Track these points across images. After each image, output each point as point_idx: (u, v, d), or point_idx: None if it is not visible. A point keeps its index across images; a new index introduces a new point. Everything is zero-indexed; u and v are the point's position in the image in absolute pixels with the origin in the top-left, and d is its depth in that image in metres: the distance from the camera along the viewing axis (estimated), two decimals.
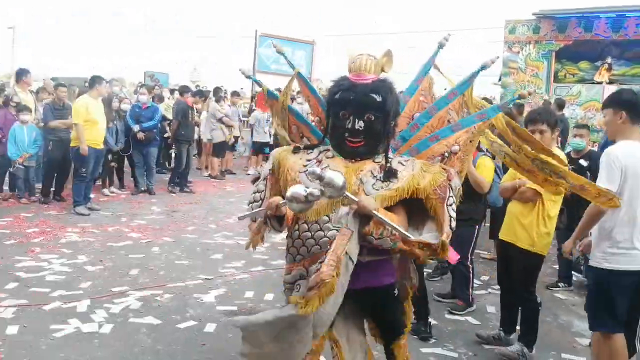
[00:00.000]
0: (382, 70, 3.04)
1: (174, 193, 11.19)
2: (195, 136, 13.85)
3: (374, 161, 2.96)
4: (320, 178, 2.58)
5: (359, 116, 2.89)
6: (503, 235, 4.72)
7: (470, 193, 5.32)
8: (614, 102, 3.94)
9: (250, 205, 3.07)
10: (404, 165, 2.95)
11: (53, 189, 9.81)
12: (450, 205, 2.91)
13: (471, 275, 5.59)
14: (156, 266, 6.51)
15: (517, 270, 4.59)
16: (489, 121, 3.17)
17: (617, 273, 3.70)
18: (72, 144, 9.02)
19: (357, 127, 2.89)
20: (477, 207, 5.40)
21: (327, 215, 2.85)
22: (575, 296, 6.26)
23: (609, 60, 13.38)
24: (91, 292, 5.58)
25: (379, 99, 2.90)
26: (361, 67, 2.96)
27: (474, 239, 5.54)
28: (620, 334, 3.78)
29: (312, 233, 2.86)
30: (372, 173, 2.91)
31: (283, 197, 2.78)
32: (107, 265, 6.44)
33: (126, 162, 11.35)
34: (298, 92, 10.71)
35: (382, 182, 2.86)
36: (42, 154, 9.89)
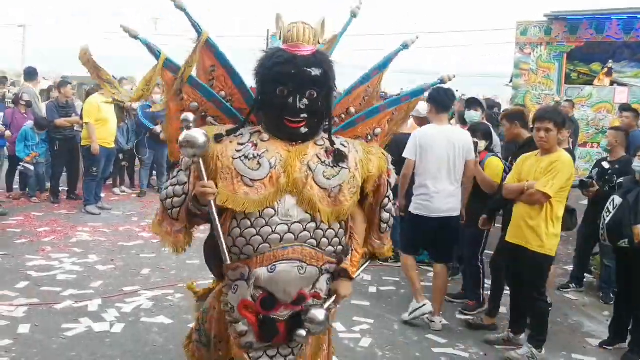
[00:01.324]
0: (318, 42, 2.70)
1: None
2: None
3: (315, 144, 2.65)
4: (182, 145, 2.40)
5: (301, 93, 2.52)
6: (511, 237, 4.65)
7: (479, 193, 5.32)
8: (428, 98, 5.14)
9: (170, 200, 2.77)
10: (345, 147, 2.69)
11: (65, 188, 9.83)
12: (385, 206, 2.82)
13: (482, 275, 5.58)
14: (167, 266, 6.52)
15: (527, 271, 4.57)
16: (410, 103, 3.12)
17: (420, 217, 5.10)
18: (83, 143, 9.04)
19: (299, 105, 2.52)
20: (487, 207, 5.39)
21: (272, 208, 2.51)
22: (585, 297, 6.23)
23: (609, 64, 13.34)
24: (102, 292, 5.61)
25: (321, 72, 2.56)
26: (299, 37, 2.58)
27: (484, 239, 5.53)
28: (411, 256, 5.32)
29: (258, 229, 2.50)
30: (318, 158, 2.59)
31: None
32: (118, 265, 6.48)
33: (137, 161, 11.33)
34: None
35: (332, 167, 2.58)
36: (50, 153, 9.86)
